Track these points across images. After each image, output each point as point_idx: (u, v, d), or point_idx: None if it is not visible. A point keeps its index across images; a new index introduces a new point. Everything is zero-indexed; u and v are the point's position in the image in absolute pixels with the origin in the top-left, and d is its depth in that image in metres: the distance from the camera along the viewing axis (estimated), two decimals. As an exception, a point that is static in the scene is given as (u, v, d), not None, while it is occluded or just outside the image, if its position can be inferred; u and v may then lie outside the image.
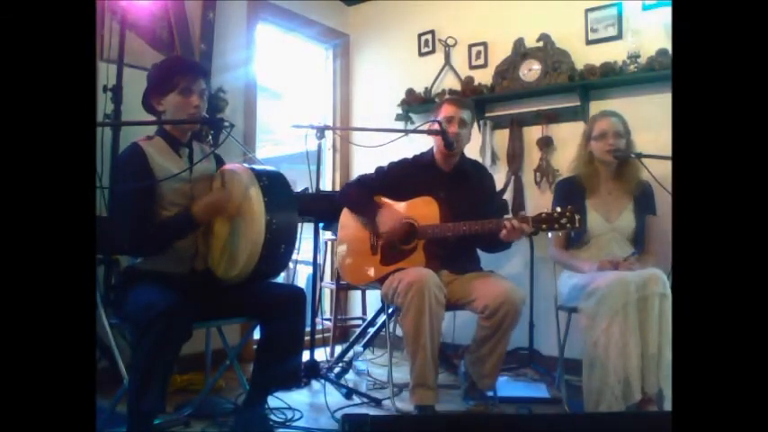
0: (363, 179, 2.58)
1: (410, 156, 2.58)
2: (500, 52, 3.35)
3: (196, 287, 1.90)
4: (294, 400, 2.44)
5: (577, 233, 2.32)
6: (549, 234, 2.10)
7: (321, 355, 3.31)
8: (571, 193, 2.42)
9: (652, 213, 2.41)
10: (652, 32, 2.87)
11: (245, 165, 1.97)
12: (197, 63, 2.31)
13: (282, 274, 2.55)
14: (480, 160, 3.21)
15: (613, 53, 2.96)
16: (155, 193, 1.87)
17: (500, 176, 3.24)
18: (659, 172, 2.30)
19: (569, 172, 2.56)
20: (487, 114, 3.42)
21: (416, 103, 3.62)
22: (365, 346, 3.14)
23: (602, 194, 2.43)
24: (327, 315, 3.77)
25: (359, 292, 3.80)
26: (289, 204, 1.92)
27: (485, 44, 3.47)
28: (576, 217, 1.99)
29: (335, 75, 4.12)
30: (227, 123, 1.87)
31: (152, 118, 2.01)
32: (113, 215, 1.89)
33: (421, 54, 3.74)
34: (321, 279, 3.57)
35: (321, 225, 2.84)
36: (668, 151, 1.49)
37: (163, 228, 1.86)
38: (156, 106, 1.95)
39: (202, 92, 1.96)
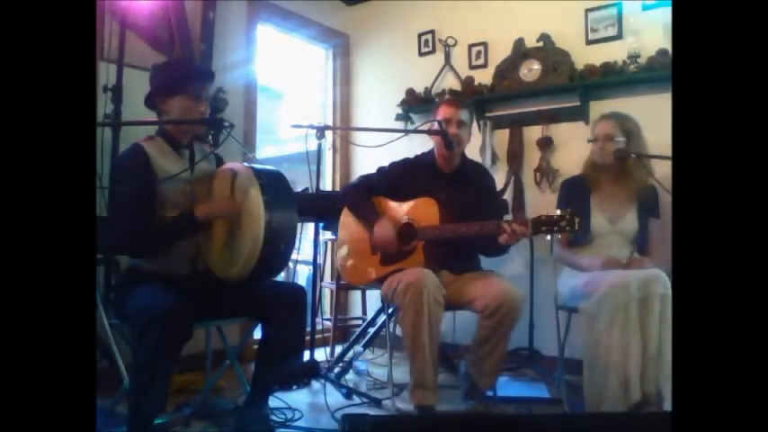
0: (364, 180, 2.58)
1: (411, 156, 2.58)
2: (500, 52, 3.35)
3: (196, 287, 1.90)
4: (294, 400, 2.44)
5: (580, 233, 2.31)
6: (548, 236, 2.10)
7: (321, 355, 3.32)
8: (576, 193, 2.43)
9: (655, 216, 2.39)
10: (652, 32, 2.87)
11: (245, 164, 1.97)
12: (209, 70, 2.31)
13: (282, 274, 2.55)
14: (480, 160, 3.21)
15: (613, 53, 2.96)
16: (155, 193, 1.87)
17: (500, 176, 3.24)
18: (662, 173, 2.29)
19: (578, 172, 2.55)
20: (487, 114, 3.42)
21: (416, 104, 3.62)
22: (365, 346, 3.14)
23: (606, 196, 2.42)
24: (327, 315, 3.77)
25: (359, 292, 3.79)
26: (288, 204, 1.91)
27: (485, 44, 3.47)
28: (576, 220, 1.99)
29: (335, 75, 4.13)
30: (227, 123, 1.88)
31: (152, 118, 2.01)
32: (114, 215, 1.88)
33: (421, 54, 3.74)
34: (321, 279, 3.56)
35: (321, 225, 2.84)
36: (669, 151, 1.49)
37: (164, 229, 1.86)
38: (161, 106, 1.95)
39: (209, 97, 1.98)
